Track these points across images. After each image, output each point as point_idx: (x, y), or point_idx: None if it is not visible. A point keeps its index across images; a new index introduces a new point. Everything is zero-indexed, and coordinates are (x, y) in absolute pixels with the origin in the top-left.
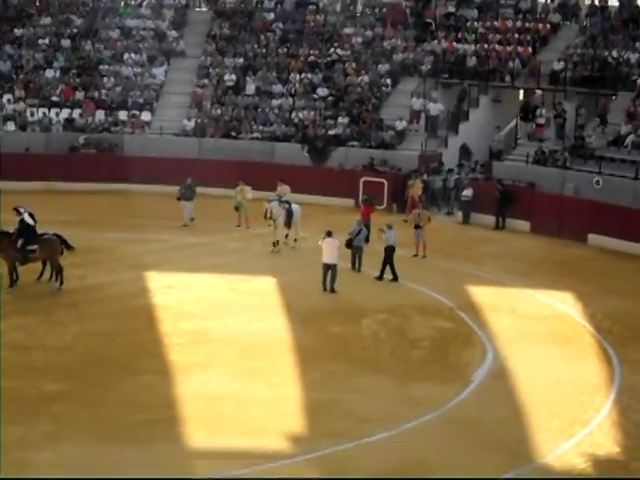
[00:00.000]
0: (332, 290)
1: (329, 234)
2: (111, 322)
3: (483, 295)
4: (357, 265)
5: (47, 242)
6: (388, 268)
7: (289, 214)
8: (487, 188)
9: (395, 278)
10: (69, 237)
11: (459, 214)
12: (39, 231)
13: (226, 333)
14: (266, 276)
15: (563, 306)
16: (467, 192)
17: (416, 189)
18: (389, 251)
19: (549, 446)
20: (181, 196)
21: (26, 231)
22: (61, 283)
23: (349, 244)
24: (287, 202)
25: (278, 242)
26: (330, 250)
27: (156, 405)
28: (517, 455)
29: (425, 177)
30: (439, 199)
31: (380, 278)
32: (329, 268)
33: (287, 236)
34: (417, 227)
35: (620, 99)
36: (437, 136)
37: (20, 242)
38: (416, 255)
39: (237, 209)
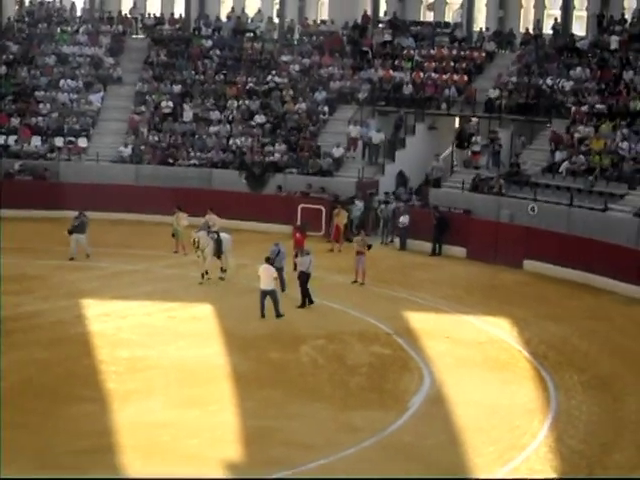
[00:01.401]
0: (278, 315)
1: (266, 260)
2: (47, 350)
3: (420, 321)
4: (281, 286)
5: None
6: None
7: (218, 244)
8: (423, 215)
9: (304, 303)
10: (3, 265)
11: (396, 241)
12: None
13: (163, 361)
14: (204, 303)
15: (499, 331)
16: (404, 219)
17: (341, 218)
18: (303, 277)
19: (486, 471)
20: (72, 230)
21: None
22: None
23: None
24: (216, 232)
25: (207, 272)
26: (267, 277)
27: (94, 433)
28: None
29: (350, 204)
30: (355, 227)
31: (302, 305)
32: (266, 294)
33: (222, 269)
34: (359, 253)
35: (554, 126)
36: (375, 163)
37: None
38: (355, 282)
39: (174, 236)
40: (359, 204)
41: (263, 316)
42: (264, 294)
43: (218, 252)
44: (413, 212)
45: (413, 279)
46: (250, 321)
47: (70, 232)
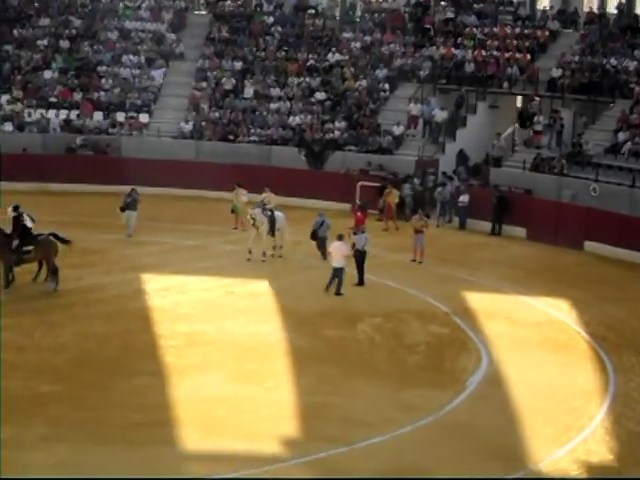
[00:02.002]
0: (338, 293)
1: (339, 238)
2: (106, 324)
3: (479, 301)
4: (322, 255)
5: (43, 243)
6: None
7: (272, 222)
8: (484, 194)
9: (361, 281)
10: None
11: (455, 220)
12: (35, 232)
13: (221, 336)
14: (262, 279)
15: (558, 313)
16: (463, 198)
17: (393, 197)
18: (358, 255)
19: (543, 452)
20: (124, 206)
21: (23, 232)
22: (56, 284)
23: (314, 235)
24: (270, 210)
25: (264, 253)
26: (338, 254)
27: (151, 407)
28: (510, 461)
29: (412, 182)
30: (408, 207)
31: (360, 283)
32: (337, 272)
33: (274, 247)
34: (418, 232)
35: (617, 106)
36: (435, 142)
37: (15, 243)
38: (414, 260)
39: (233, 212)
40: (408, 184)
41: (339, 294)
42: (335, 271)
43: (272, 230)
44: (472, 191)
45: (472, 259)
46: (308, 298)
47: (122, 209)
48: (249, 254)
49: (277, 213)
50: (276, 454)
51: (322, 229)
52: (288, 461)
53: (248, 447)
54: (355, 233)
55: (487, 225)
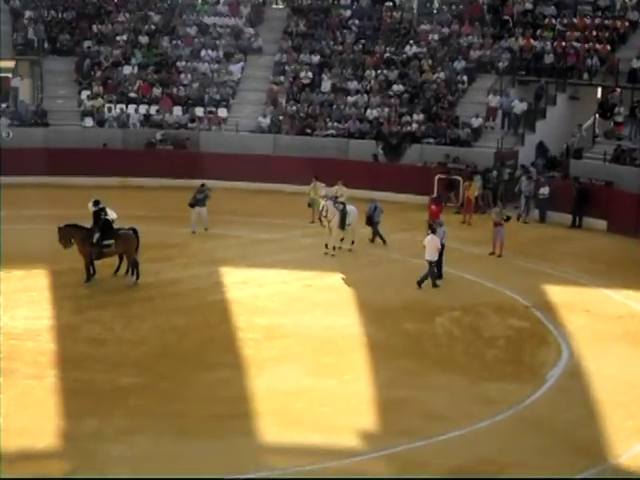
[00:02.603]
0: (419, 283)
1: (433, 231)
2: (186, 317)
3: (559, 294)
4: (378, 237)
5: (123, 237)
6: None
7: (343, 216)
8: (564, 186)
9: (440, 275)
10: (144, 232)
11: (535, 213)
12: (115, 226)
13: (299, 329)
14: (339, 273)
15: (639, 306)
16: (543, 190)
17: (472, 190)
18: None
19: (623, 446)
20: (194, 202)
21: (104, 226)
22: (137, 278)
23: (369, 221)
24: (342, 203)
25: (334, 247)
26: (431, 247)
27: (230, 400)
28: (590, 455)
29: (488, 176)
30: (484, 200)
31: (439, 277)
32: (430, 264)
33: (342, 239)
34: (497, 225)
35: None
36: (515, 134)
37: (96, 237)
38: (492, 253)
39: (310, 206)
40: (480, 177)
41: (435, 285)
42: (430, 264)
43: (342, 224)
44: (552, 184)
45: (552, 252)
46: (385, 291)
47: (192, 205)
48: (326, 248)
49: (349, 207)
50: (354, 447)
51: (376, 213)
52: (366, 455)
53: (326, 440)
54: (431, 226)
55: (568, 218)
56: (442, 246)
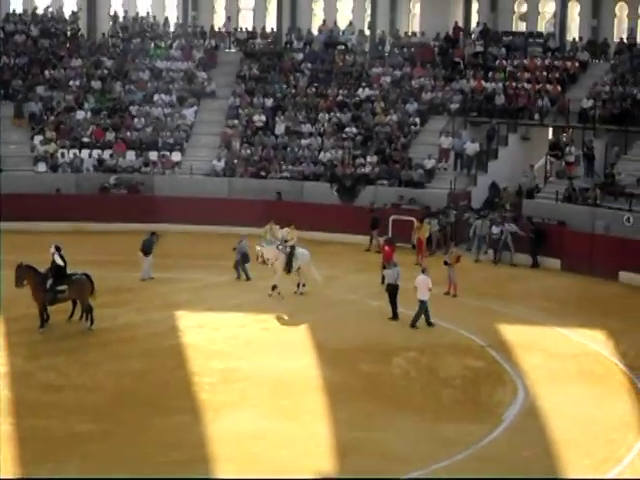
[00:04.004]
0: (413, 325)
1: (423, 271)
2: (142, 361)
3: (514, 334)
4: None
5: (77, 282)
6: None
7: (289, 259)
8: (520, 227)
9: (395, 315)
10: (99, 277)
11: (490, 253)
12: (69, 271)
13: (256, 372)
14: (296, 314)
15: (594, 344)
16: (497, 230)
17: (423, 232)
18: (391, 289)
19: None
20: (149, 250)
21: (56, 271)
22: (91, 323)
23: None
24: (291, 247)
25: (276, 286)
26: (423, 287)
27: (188, 444)
28: None
29: (439, 218)
30: (434, 243)
31: (394, 317)
32: (422, 303)
33: (298, 284)
34: (449, 265)
35: None
36: (467, 174)
37: (50, 282)
38: (447, 293)
39: None
40: (434, 220)
41: (430, 324)
42: (422, 303)
43: (289, 267)
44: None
45: (507, 291)
46: (341, 332)
47: (147, 253)
48: (271, 290)
49: (301, 250)
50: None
51: (240, 246)
52: None
53: None
54: (385, 267)
55: (522, 257)
56: (396, 287)
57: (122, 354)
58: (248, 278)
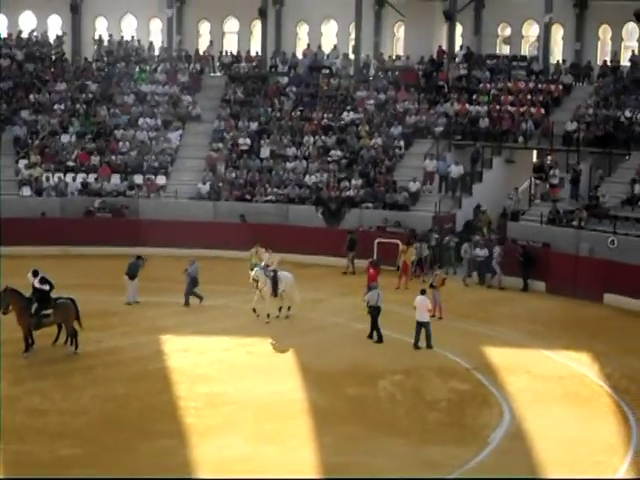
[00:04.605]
0: (429, 346)
1: (422, 292)
2: (127, 386)
3: (500, 356)
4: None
5: (61, 306)
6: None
7: (274, 283)
8: (508, 250)
9: (374, 336)
10: (84, 301)
11: (474, 275)
12: (54, 295)
13: (242, 396)
14: (281, 338)
15: (579, 366)
16: (482, 252)
17: (409, 255)
18: (372, 311)
19: None
20: (127, 272)
21: (41, 296)
22: (76, 347)
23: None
24: (273, 271)
25: (268, 315)
26: (422, 308)
27: (173, 469)
28: None
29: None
30: (426, 265)
31: (371, 337)
32: (421, 326)
33: (280, 308)
34: (431, 286)
35: (633, 158)
36: (451, 197)
37: (35, 307)
38: (433, 316)
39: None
40: (424, 244)
41: (417, 347)
42: (420, 325)
43: (274, 291)
44: (492, 246)
45: (492, 313)
46: (327, 356)
47: (132, 276)
48: (254, 313)
49: (284, 274)
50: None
51: (192, 268)
52: None
53: None
54: (369, 289)
55: (509, 280)
56: (378, 309)
57: (107, 378)
58: (200, 298)
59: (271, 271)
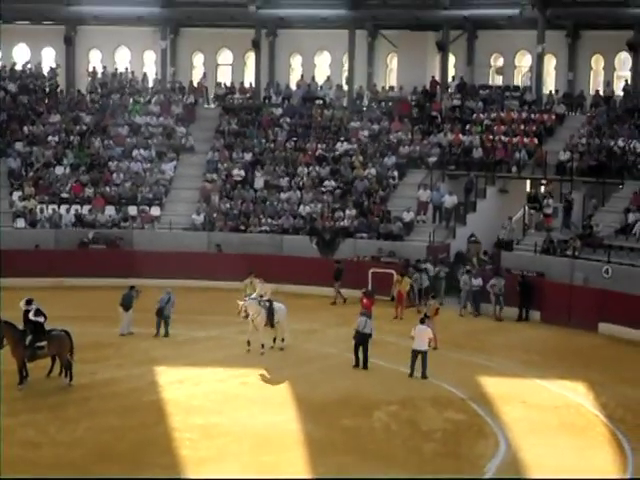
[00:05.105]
0: (424, 376)
1: (422, 321)
2: (122, 417)
3: (495, 386)
4: (165, 332)
5: (56, 338)
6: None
7: (270, 313)
8: (508, 280)
9: (364, 366)
10: (79, 333)
11: (469, 305)
12: (48, 327)
13: (237, 427)
14: (276, 369)
15: (575, 396)
16: (477, 282)
17: (404, 285)
18: (357, 337)
19: None
20: (129, 304)
21: (35, 328)
22: (70, 379)
23: (159, 312)
24: (269, 301)
25: (263, 345)
26: (422, 337)
27: None
28: None
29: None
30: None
31: (364, 367)
32: (418, 354)
33: (275, 339)
34: (426, 317)
35: (626, 188)
36: (445, 227)
37: (29, 339)
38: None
39: None
40: (424, 275)
41: (412, 376)
42: (416, 354)
43: (270, 321)
44: (487, 276)
45: (487, 343)
46: (322, 386)
47: (127, 308)
48: (248, 346)
49: (277, 304)
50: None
51: (167, 306)
52: None
53: None
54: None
55: (506, 310)
56: (364, 335)
57: (102, 410)
58: (162, 333)
59: (266, 301)
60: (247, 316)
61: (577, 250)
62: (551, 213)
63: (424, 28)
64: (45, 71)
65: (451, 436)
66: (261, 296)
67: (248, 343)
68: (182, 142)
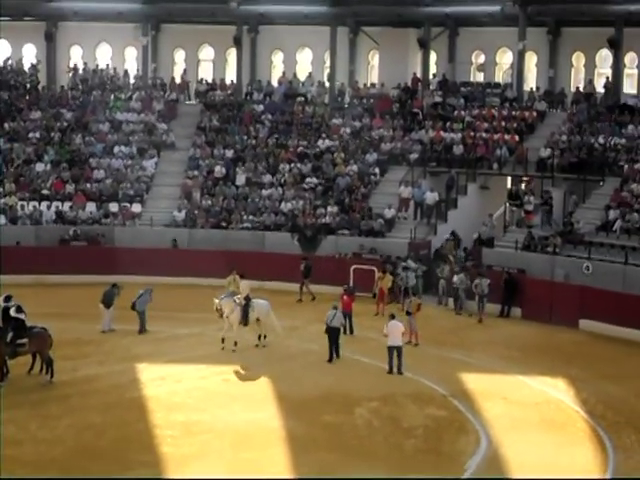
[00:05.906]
0: (399, 372)
1: (392, 317)
2: (103, 414)
3: (476, 382)
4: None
5: (36, 335)
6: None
7: (245, 311)
8: (475, 275)
9: (335, 356)
10: (59, 330)
11: (451, 302)
12: (28, 324)
13: (218, 424)
14: (257, 365)
15: (555, 392)
16: (458, 279)
17: (386, 282)
18: (328, 331)
19: None
20: (102, 300)
21: (16, 325)
22: (51, 376)
23: (133, 307)
24: (246, 299)
25: (236, 343)
26: (395, 332)
27: None
28: None
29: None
30: (419, 291)
31: (337, 356)
32: (394, 350)
33: (259, 336)
34: (407, 314)
35: (607, 184)
36: (427, 224)
37: (10, 336)
38: (409, 342)
39: None
40: (411, 273)
41: (391, 372)
42: (392, 349)
43: (244, 319)
44: (472, 274)
45: (468, 340)
46: (303, 383)
47: (108, 305)
48: (222, 343)
49: (258, 301)
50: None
51: (140, 300)
52: None
53: None
54: (346, 317)
55: (486, 305)
56: (332, 329)
57: (83, 407)
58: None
59: (243, 299)
60: (221, 315)
61: (558, 247)
62: (532, 210)
63: (405, 25)
64: (26, 67)
65: (432, 432)
66: (235, 293)
67: (222, 340)
68: (163, 139)
